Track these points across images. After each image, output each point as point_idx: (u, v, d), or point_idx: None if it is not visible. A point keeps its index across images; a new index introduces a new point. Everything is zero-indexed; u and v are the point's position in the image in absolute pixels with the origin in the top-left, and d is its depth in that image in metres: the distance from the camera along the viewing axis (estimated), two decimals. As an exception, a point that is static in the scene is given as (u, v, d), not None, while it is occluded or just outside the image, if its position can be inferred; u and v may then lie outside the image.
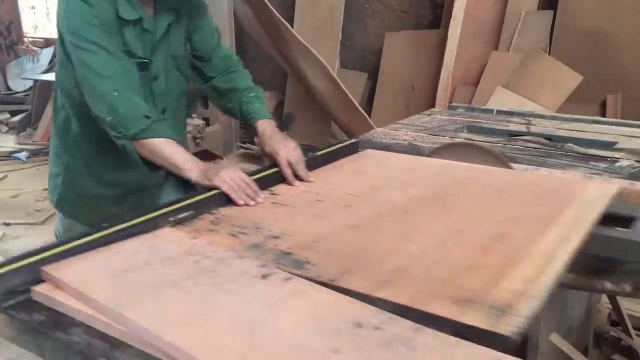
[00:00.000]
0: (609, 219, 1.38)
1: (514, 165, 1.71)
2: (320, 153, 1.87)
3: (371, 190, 1.61)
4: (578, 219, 1.34)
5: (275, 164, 1.71)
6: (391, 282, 1.08)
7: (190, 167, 1.57)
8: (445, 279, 1.09)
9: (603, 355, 2.35)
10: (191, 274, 1.10)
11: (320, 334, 0.91)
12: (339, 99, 4.62)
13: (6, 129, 7.16)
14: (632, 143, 2.08)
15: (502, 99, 4.00)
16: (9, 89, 8.20)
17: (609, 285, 1.38)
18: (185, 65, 1.86)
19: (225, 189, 1.51)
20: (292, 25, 4.89)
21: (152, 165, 1.63)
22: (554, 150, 2.02)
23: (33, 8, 8.50)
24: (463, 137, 2.22)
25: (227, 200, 1.50)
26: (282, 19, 4.66)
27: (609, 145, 2.06)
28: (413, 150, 2.02)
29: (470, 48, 4.31)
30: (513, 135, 2.25)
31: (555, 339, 1.57)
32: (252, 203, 1.51)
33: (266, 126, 1.82)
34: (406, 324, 0.93)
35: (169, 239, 1.28)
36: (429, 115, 2.65)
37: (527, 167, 1.77)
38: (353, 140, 2.06)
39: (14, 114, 7.40)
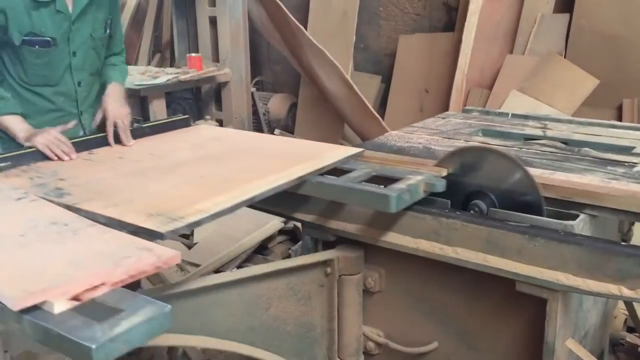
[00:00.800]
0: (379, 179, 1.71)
1: (530, 170, 1.70)
2: (147, 124, 2.32)
3: (170, 151, 2.04)
4: (296, 170, 1.71)
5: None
6: (118, 204, 1.49)
7: (21, 134, 2.04)
8: (157, 204, 1.48)
9: (618, 361, 2.33)
10: None
11: (22, 227, 1.31)
12: (352, 102, 4.61)
13: None
14: (650, 147, 2.06)
15: (517, 102, 3.98)
16: None
17: (626, 291, 1.36)
18: (100, 45, 2.33)
19: (40, 147, 1.93)
20: (305, 28, 4.89)
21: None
22: (570, 154, 2.00)
23: None
24: (478, 140, 2.21)
25: (43, 156, 1.93)
26: (295, 21, 4.67)
27: (627, 150, 2.04)
28: (427, 153, 2.01)
29: (485, 51, 4.29)
30: (528, 138, 2.23)
31: (571, 344, 1.56)
32: (66, 158, 1.93)
33: (113, 88, 2.30)
34: (86, 222, 1.35)
35: None
36: (444, 118, 2.64)
37: (543, 171, 1.76)
38: (184, 117, 2.47)
39: None
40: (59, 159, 1.93)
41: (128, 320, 0.96)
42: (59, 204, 1.51)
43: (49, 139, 1.95)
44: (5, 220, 1.38)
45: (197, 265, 3.37)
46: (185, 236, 3.82)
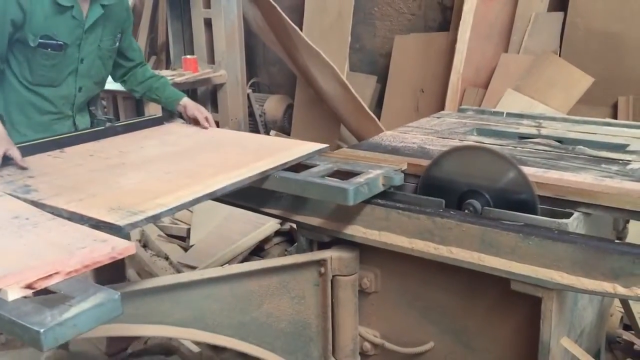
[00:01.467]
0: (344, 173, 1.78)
1: (524, 168, 1.70)
2: (119, 123, 2.42)
3: (139, 149, 2.11)
4: (259, 165, 1.78)
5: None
6: (82, 199, 1.56)
7: None
8: (120, 199, 1.54)
9: (615, 358, 2.34)
10: None
11: None
12: (348, 102, 4.61)
13: None
14: (644, 145, 2.06)
15: (512, 101, 3.98)
16: None
17: (620, 289, 1.36)
18: (107, 56, 2.41)
19: None
20: (300, 28, 4.89)
21: None
22: (564, 152, 2.00)
23: None
24: (472, 139, 2.21)
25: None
26: (290, 22, 4.66)
27: (621, 148, 2.04)
28: (422, 153, 2.01)
29: (480, 50, 4.29)
30: (523, 137, 2.23)
31: (566, 342, 1.56)
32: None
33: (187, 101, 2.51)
34: (47, 216, 1.40)
35: None
36: (438, 117, 2.64)
37: (537, 170, 1.76)
38: (156, 116, 2.62)
39: None
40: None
41: (77, 306, 1.03)
42: (25, 200, 1.57)
43: None
44: None
45: (193, 268, 3.37)
46: (182, 239, 3.81)
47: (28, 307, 1.03)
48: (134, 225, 1.40)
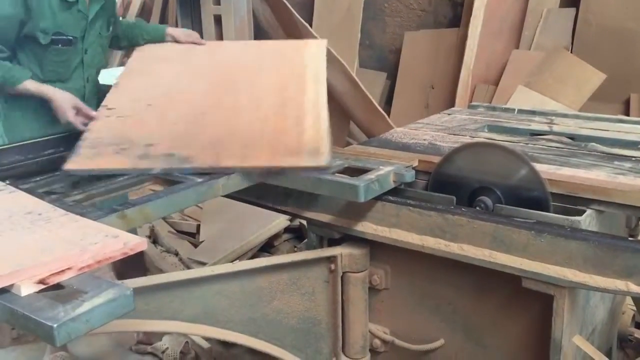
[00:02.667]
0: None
1: (536, 165, 1.69)
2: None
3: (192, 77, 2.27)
4: (316, 75, 2.06)
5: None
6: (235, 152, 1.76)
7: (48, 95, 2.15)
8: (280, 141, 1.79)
9: (627, 357, 2.32)
10: None
11: None
12: (358, 98, 4.60)
13: None
14: (657, 142, 2.04)
15: (523, 98, 3.96)
16: None
17: (633, 287, 1.35)
18: (105, 43, 2.48)
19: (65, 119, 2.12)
20: (310, 25, 4.88)
21: None
22: (577, 149, 1.99)
23: None
24: (484, 136, 2.20)
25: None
26: (300, 18, 4.66)
27: (634, 144, 2.03)
28: (433, 149, 2.00)
29: (491, 46, 4.27)
30: (535, 134, 2.22)
31: (579, 340, 1.55)
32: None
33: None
34: (59, 212, 1.40)
35: None
36: (449, 114, 2.63)
37: (550, 167, 1.75)
38: None
39: None
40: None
41: (90, 301, 1.03)
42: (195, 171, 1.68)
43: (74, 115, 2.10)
44: None
45: (203, 264, 3.37)
46: (192, 235, 3.82)
47: (41, 303, 1.03)
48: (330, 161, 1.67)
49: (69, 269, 1.11)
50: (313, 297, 1.78)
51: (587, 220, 1.55)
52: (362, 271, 1.78)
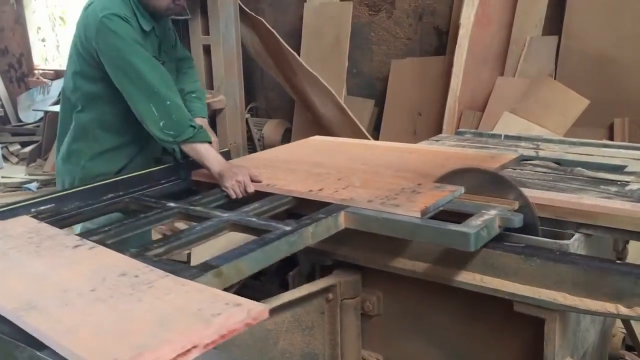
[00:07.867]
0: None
1: (524, 190, 1.72)
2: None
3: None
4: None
5: None
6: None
7: (217, 167, 2.00)
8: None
9: (618, 380, 2.32)
10: (18, 245, 1.44)
11: (89, 279, 1.21)
12: (346, 126, 4.65)
13: (16, 159, 7.23)
14: (642, 166, 2.08)
15: (509, 124, 4.01)
16: (20, 120, 8.30)
17: (622, 310, 1.37)
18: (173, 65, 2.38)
19: (225, 189, 1.96)
20: (298, 54, 4.94)
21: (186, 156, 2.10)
22: (563, 174, 2.02)
23: (43, 40, 8.65)
24: (472, 162, 2.22)
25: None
26: (288, 47, 4.72)
27: (619, 169, 2.06)
28: (422, 175, 2.02)
29: (476, 73, 4.34)
30: (522, 159, 2.25)
31: (571, 364, 1.56)
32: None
33: (201, 122, 2.26)
34: (158, 273, 1.23)
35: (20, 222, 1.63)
36: (437, 140, 2.66)
37: (537, 191, 1.77)
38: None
39: (24, 144, 7.48)
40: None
41: None
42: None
43: (235, 185, 1.94)
44: (68, 272, 1.26)
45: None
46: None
47: None
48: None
49: (194, 347, 0.96)
50: (312, 332, 1.76)
51: (575, 244, 1.57)
52: (355, 297, 1.78)
